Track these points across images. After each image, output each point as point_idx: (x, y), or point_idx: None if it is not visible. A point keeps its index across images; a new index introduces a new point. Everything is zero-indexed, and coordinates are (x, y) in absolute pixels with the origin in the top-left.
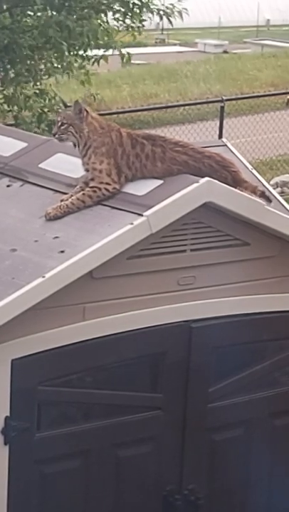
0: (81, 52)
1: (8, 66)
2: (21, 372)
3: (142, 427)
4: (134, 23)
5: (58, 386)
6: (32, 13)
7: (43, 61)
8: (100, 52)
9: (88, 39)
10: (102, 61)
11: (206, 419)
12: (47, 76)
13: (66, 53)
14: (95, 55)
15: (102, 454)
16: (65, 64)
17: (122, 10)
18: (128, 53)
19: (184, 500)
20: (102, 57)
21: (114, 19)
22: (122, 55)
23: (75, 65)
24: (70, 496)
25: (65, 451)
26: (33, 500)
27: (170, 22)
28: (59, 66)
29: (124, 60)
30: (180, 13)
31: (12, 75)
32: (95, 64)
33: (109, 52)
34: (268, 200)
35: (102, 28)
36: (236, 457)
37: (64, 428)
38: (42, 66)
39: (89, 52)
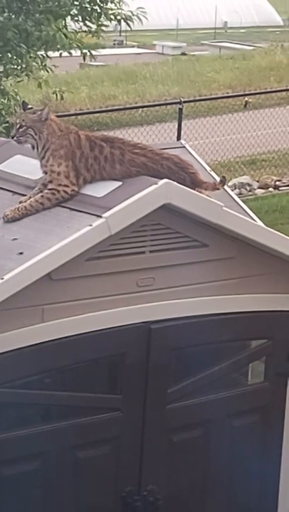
0: (40, 53)
1: None
2: None
3: (101, 428)
4: (91, 27)
5: (17, 388)
6: None
7: (3, 62)
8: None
9: (46, 45)
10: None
11: (165, 420)
12: (5, 78)
13: (24, 53)
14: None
15: (61, 456)
16: (24, 65)
17: (80, 16)
18: (89, 51)
19: (143, 501)
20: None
21: (73, 21)
22: (84, 55)
23: (34, 64)
24: (29, 498)
25: (24, 452)
26: None
27: (129, 26)
28: (17, 67)
29: (87, 58)
30: (138, 17)
31: None
32: (53, 66)
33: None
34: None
35: (60, 33)
36: (195, 458)
37: (23, 430)
38: (1, 68)
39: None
